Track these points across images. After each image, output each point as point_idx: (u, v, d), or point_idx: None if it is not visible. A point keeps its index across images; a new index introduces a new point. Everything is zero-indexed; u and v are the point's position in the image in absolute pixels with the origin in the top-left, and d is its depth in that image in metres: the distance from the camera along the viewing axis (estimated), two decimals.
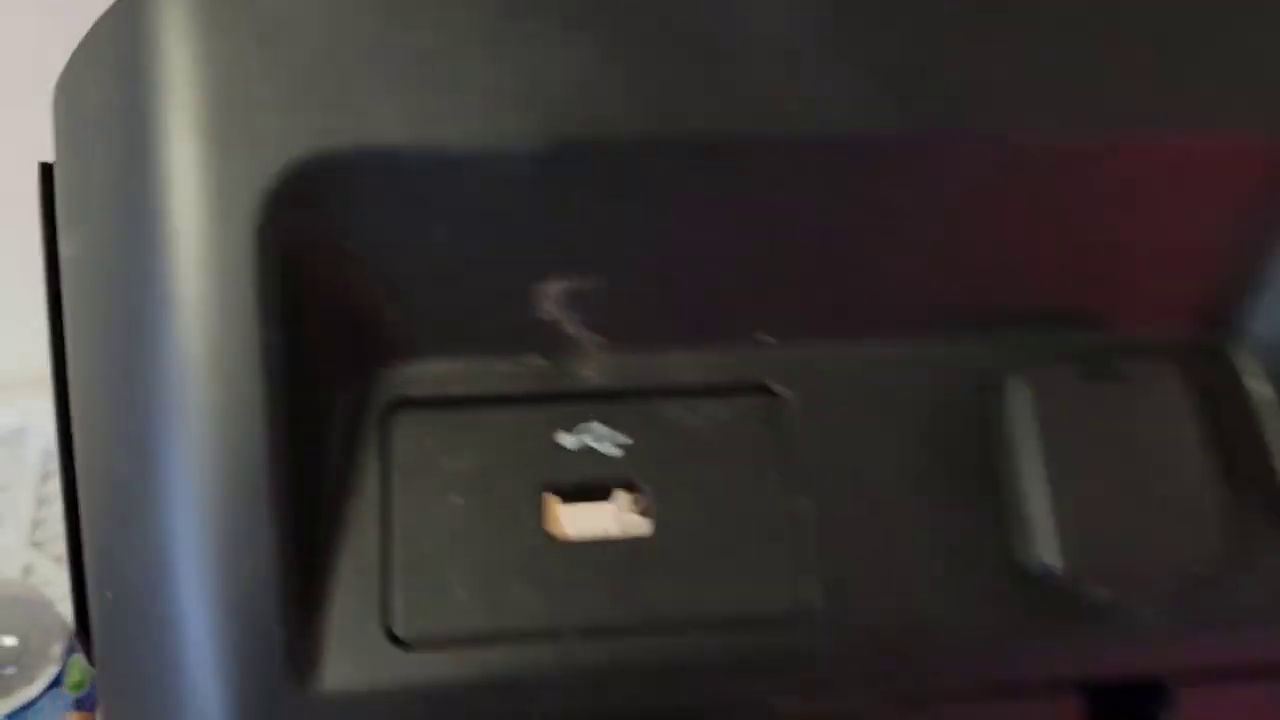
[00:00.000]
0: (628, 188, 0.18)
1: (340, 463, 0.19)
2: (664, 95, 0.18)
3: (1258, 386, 0.20)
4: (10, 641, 0.62)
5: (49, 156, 0.20)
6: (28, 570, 0.93)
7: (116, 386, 0.18)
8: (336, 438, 0.19)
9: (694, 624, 0.19)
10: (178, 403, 0.17)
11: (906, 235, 0.19)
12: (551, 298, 0.19)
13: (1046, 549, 0.19)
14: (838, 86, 0.18)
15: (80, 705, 0.63)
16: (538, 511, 0.19)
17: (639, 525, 0.19)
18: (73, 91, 0.19)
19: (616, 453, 0.19)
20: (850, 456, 0.20)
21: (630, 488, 0.19)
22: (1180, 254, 0.20)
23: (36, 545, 0.93)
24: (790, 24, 0.18)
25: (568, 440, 0.19)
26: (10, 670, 0.62)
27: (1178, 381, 0.20)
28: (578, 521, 0.19)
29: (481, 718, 0.18)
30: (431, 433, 0.19)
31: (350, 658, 0.18)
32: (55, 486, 1.04)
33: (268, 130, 0.17)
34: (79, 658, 0.65)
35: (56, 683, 0.62)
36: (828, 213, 0.19)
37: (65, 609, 0.90)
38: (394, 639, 0.18)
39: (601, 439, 0.19)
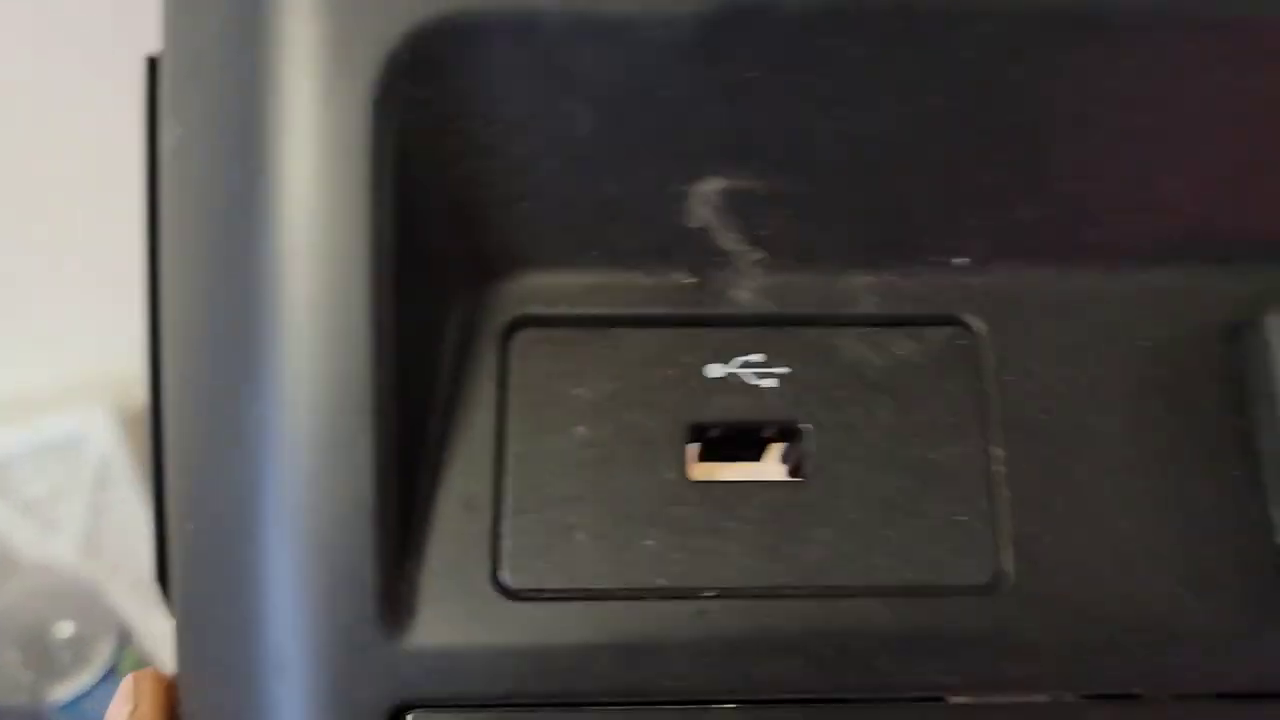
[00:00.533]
0: (812, 66, 0.16)
1: (451, 383, 0.17)
2: None
3: None
4: (66, 630, 0.65)
5: None
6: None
7: (212, 283, 0.16)
8: (449, 354, 0.17)
9: (856, 590, 0.16)
10: (277, 301, 0.15)
11: (1149, 136, 0.17)
12: (707, 201, 0.16)
13: None
14: None
15: None
16: (676, 450, 0.16)
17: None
18: None
19: (773, 384, 0.17)
20: (1059, 405, 0.17)
21: (790, 432, 0.17)
22: None
23: (91, 554, 0.93)
24: None
25: (716, 370, 0.17)
26: (65, 658, 0.62)
27: None
28: (724, 473, 0.17)
29: (598, 684, 0.15)
30: (558, 355, 0.17)
31: (451, 607, 0.16)
32: (111, 496, 1.04)
33: None
34: (131, 649, 0.65)
35: (111, 673, 0.62)
36: (1052, 105, 0.16)
37: (119, 604, 0.90)
38: (502, 588, 0.16)
39: (758, 370, 0.17)
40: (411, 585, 0.16)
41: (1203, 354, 0.17)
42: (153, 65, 0.18)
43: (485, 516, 0.16)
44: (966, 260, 0.17)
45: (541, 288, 0.17)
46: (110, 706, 0.21)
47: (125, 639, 0.67)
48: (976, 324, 0.17)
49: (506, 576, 0.16)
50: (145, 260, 0.18)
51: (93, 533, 0.93)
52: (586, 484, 0.16)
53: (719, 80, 0.16)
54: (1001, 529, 0.16)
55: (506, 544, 0.16)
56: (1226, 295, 0.17)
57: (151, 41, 0.18)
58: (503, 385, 0.17)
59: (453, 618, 0.16)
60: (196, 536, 0.17)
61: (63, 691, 0.61)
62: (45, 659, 0.63)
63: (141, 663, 0.68)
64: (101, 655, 0.64)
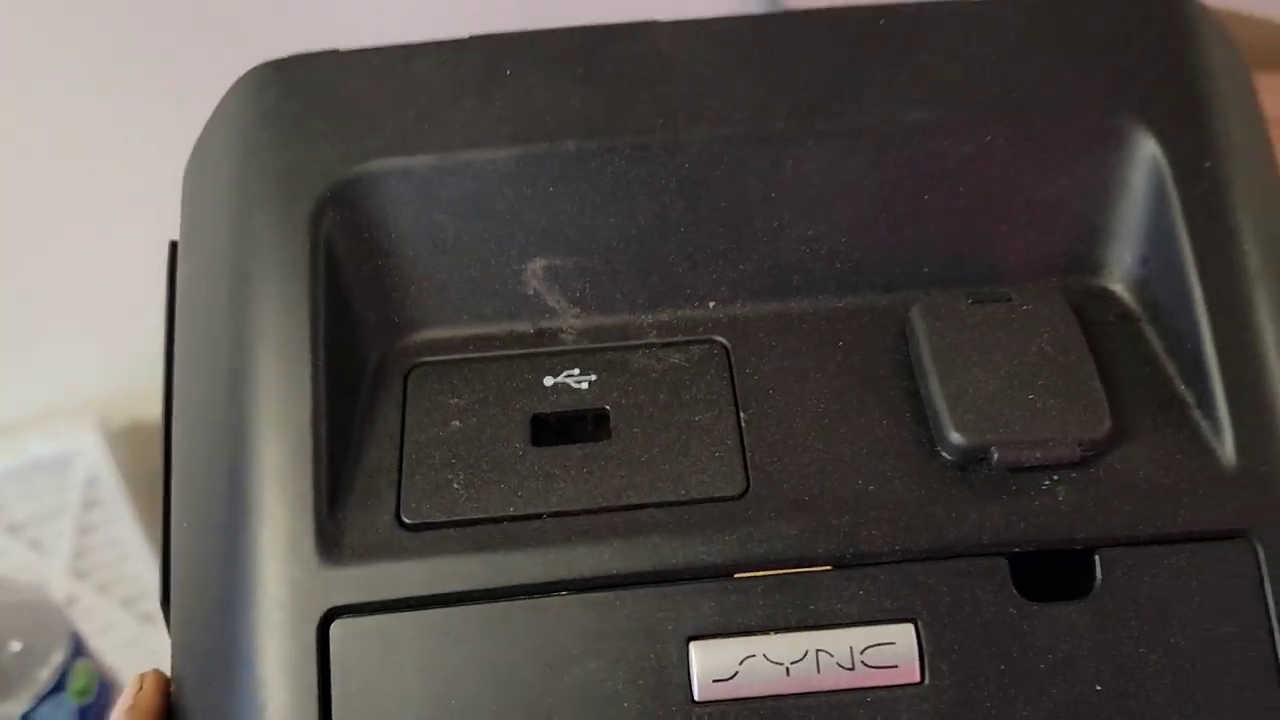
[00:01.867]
0: (586, 182, 0.27)
1: (368, 402, 0.27)
2: (604, 114, 0.27)
3: (1126, 307, 0.28)
4: (15, 646, 0.68)
5: None
6: (70, 601, 1.02)
7: (210, 340, 0.27)
8: (367, 384, 0.27)
9: (648, 504, 0.26)
10: (254, 347, 0.26)
11: (814, 213, 0.27)
12: (535, 275, 0.28)
13: (951, 428, 0.25)
14: (735, 98, 0.27)
15: (84, 716, 0.68)
16: (524, 431, 0.27)
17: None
18: (193, 167, 0.30)
19: (586, 386, 0.27)
20: (784, 384, 0.27)
21: (599, 415, 0.27)
22: (1046, 213, 0.28)
23: (79, 575, 1.01)
24: (694, 53, 0.28)
25: (549, 380, 0.27)
26: (13, 673, 0.66)
27: (1058, 299, 0.27)
28: None
29: (471, 583, 0.25)
30: (440, 381, 0.27)
31: (366, 540, 0.25)
32: (98, 515, 1.13)
33: (322, 158, 0.27)
34: (84, 663, 0.71)
35: (59, 688, 0.67)
36: (743, 199, 0.27)
37: (88, 628, 0.97)
38: (402, 524, 0.26)
39: (576, 379, 0.27)
40: (340, 528, 0.25)
41: (880, 344, 0.27)
42: (174, 247, 0.30)
43: (391, 480, 0.26)
44: (714, 302, 0.28)
45: (429, 341, 0.28)
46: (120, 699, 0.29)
47: (78, 651, 0.72)
48: (723, 341, 0.28)
49: (405, 516, 0.26)
50: (164, 361, 0.29)
51: (81, 553, 1.01)
52: (459, 455, 0.26)
53: (530, 195, 0.27)
54: (746, 460, 0.26)
55: (404, 495, 0.26)
56: (891, 309, 0.28)
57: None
58: (401, 404, 0.27)
59: (367, 547, 0.25)
60: (190, 528, 0.27)
61: (12, 707, 0.64)
62: None
63: (95, 674, 0.73)
64: (50, 668, 0.67)
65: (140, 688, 0.28)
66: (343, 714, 0.24)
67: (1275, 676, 0.24)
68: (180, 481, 0.27)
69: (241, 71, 0.29)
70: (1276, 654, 0.24)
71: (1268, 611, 0.24)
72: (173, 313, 0.29)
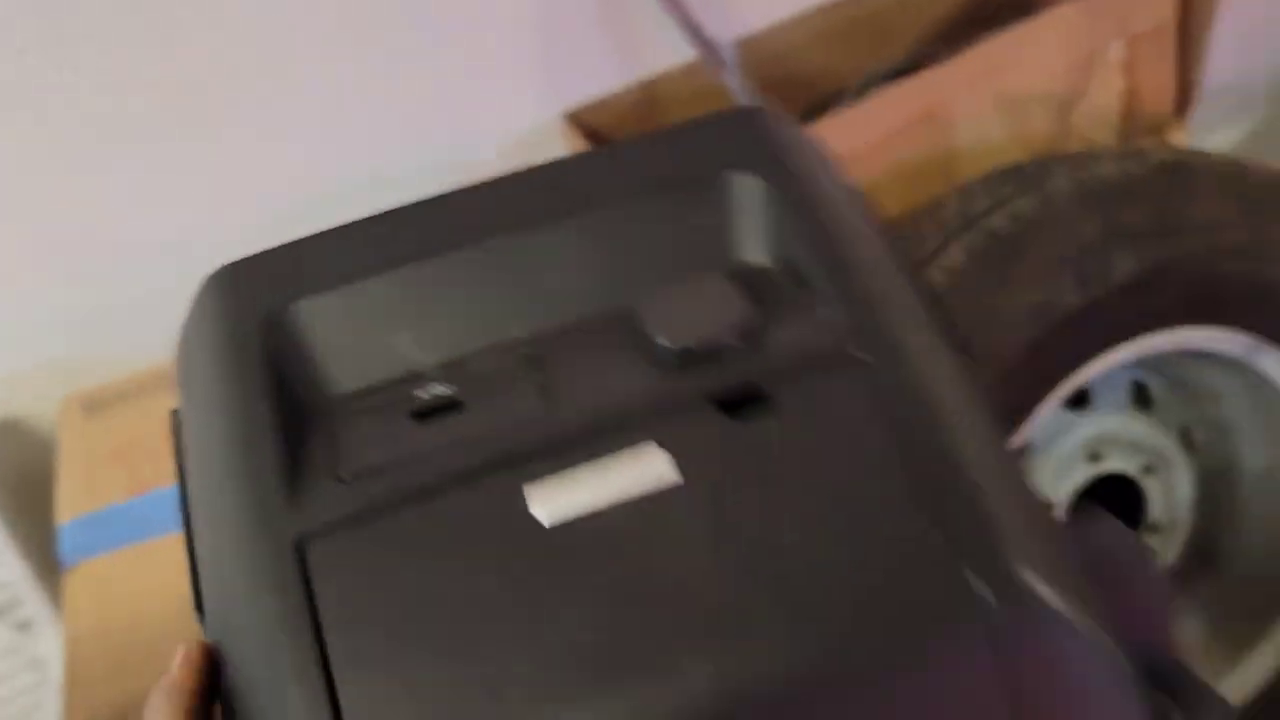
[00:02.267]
0: (429, 283, 0.45)
1: (310, 436, 0.42)
2: (431, 240, 0.46)
3: (776, 276, 0.45)
4: None
5: None
6: None
7: (204, 424, 0.43)
8: (308, 429, 0.43)
9: (490, 433, 0.41)
10: (233, 414, 0.42)
11: (563, 267, 0.46)
12: (404, 343, 0.45)
13: (661, 339, 0.42)
14: (514, 211, 0.47)
15: None
16: (406, 416, 0.43)
17: None
18: (181, 345, 0.46)
19: (445, 390, 0.44)
20: (573, 366, 0.43)
21: (456, 401, 0.43)
22: (715, 237, 0.46)
23: None
24: (494, 199, 0.48)
25: (421, 392, 0.44)
26: None
27: (729, 280, 0.44)
28: None
29: (392, 495, 0.40)
30: (353, 413, 0.44)
31: (316, 491, 0.40)
32: None
33: (266, 303, 0.44)
34: None
35: None
36: (523, 267, 0.46)
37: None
38: (339, 479, 0.41)
39: (438, 387, 0.44)
40: (298, 489, 0.40)
41: (630, 328, 0.43)
42: (175, 413, 0.46)
43: (330, 461, 0.41)
44: (523, 331, 0.45)
45: (344, 393, 0.45)
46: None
47: None
48: (532, 351, 0.45)
49: (341, 474, 0.41)
50: (179, 481, 0.44)
51: None
52: (370, 437, 0.42)
53: (398, 297, 0.45)
54: (550, 396, 0.42)
55: (339, 464, 0.41)
56: (630, 313, 0.44)
57: None
58: (332, 429, 0.43)
59: (319, 495, 0.40)
60: (201, 540, 0.42)
61: None
62: None
63: None
64: None
65: (180, 663, 0.38)
66: (328, 610, 0.37)
67: (886, 447, 0.40)
68: (195, 511, 0.43)
69: None
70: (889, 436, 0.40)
71: (878, 409, 0.40)
72: (181, 460, 0.45)
